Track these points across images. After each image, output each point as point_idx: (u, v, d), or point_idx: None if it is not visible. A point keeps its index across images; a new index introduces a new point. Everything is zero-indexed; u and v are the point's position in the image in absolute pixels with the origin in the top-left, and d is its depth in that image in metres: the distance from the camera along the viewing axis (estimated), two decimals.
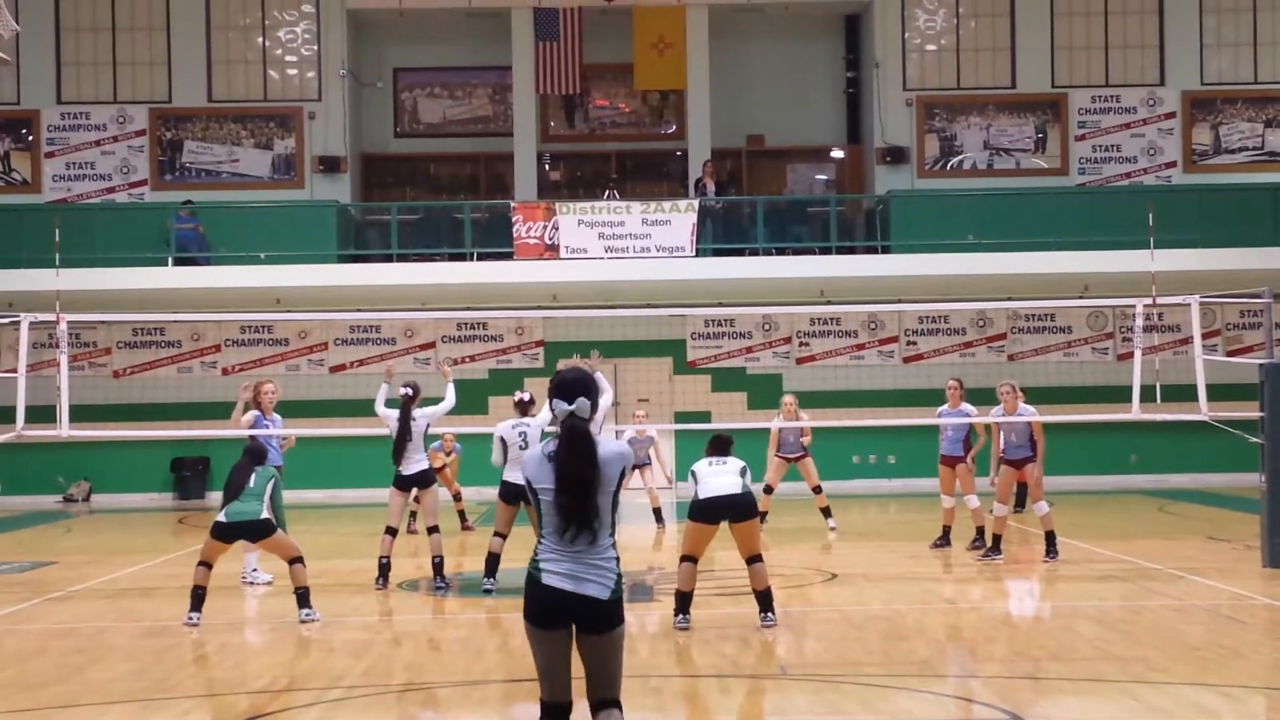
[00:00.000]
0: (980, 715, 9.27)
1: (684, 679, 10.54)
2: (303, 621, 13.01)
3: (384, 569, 15.21)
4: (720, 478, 12.35)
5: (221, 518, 13.13)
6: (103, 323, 27.85)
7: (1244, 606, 13.20)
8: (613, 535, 6.44)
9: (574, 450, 6.41)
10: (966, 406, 18.09)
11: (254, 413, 15.88)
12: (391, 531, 15.25)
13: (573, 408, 6.51)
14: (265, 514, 13.14)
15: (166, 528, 24.40)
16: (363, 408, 26.87)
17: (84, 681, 10.73)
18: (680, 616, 12.38)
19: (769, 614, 12.33)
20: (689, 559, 12.39)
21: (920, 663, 10.99)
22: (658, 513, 20.36)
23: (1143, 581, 14.88)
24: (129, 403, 28.23)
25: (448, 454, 21.30)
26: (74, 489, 28.77)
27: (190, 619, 13.04)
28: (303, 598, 13.18)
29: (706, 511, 12.30)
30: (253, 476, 13.23)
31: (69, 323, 17.00)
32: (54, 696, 10.19)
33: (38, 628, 13.34)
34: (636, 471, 20.16)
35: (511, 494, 14.43)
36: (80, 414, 19.12)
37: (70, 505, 28.44)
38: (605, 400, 15.32)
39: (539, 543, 6.46)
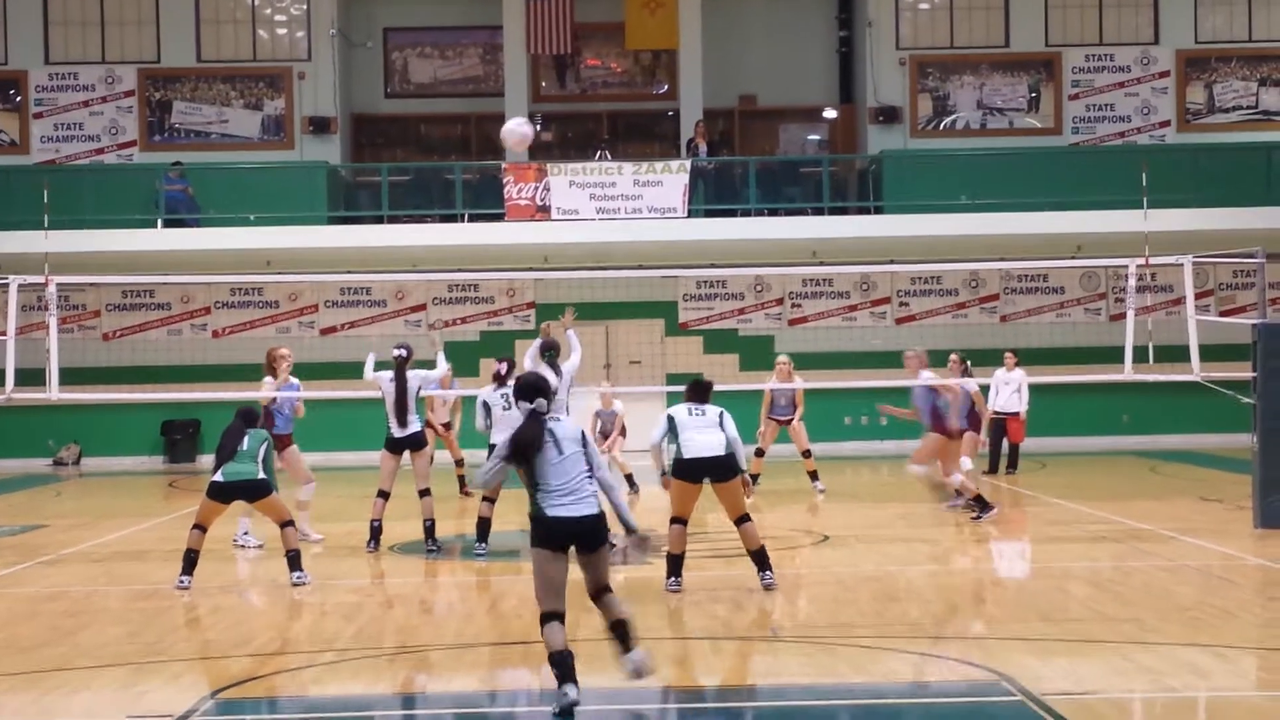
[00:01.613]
0: (972, 676, 9.27)
1: (675, 641, 10.53)
2: (294, 584, 13.00)
3: (375, 532, 15.21)
4: (702, 434, 12.24)
5: (219, 478, 13.11)
6: (92, 285, 27.76)
7: (1235, 567, 13.22)
8: (592, 479, 8.72)
9: (531, 427, 8.73)
10: (926, 374, 17.95)
11: (268, 379, 15.91)
12: (383, 495, 15.23)
13: (533, 406, 8.76)
14: (261, 474, 13.15)
15: (157, 491, 24.37)
16: (354, 370, 26.80)
17: (75, 644, 10.71)
18: (672, 580, 12.36)
19: (767, 572, 12.32)
20: (678, 520, 12.37)
21: (912, 624, 10.99)
22: (629, 478, 20.30)
23: (1134, 542, 14.88)
24: (119, 365, 28.15)
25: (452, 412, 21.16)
26: (64, 452, 28.73)
27: (181, 582, 13.03)
28: (294, 560, 13.17)
29: (689, 471, 12.26)
30: (245, 439, 13.21)
31: (58, 285, 16.95)
32: (46, 659, 10.17)
33: (28, 591, 13.32)
34: (605, 440, 20.17)
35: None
36: (70, 377, 19.09)
37: (60, 469, 28.40)
38: (574, 360, 15.37)
39: (537, 493, 8.60)
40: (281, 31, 30.76)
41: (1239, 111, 30.83)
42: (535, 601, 8.69)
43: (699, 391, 12.67)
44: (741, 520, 12.33)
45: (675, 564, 12.39)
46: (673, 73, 31.30)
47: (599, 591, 8.79)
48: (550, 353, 15.10)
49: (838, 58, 31.80)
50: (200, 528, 13.23)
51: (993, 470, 23.05)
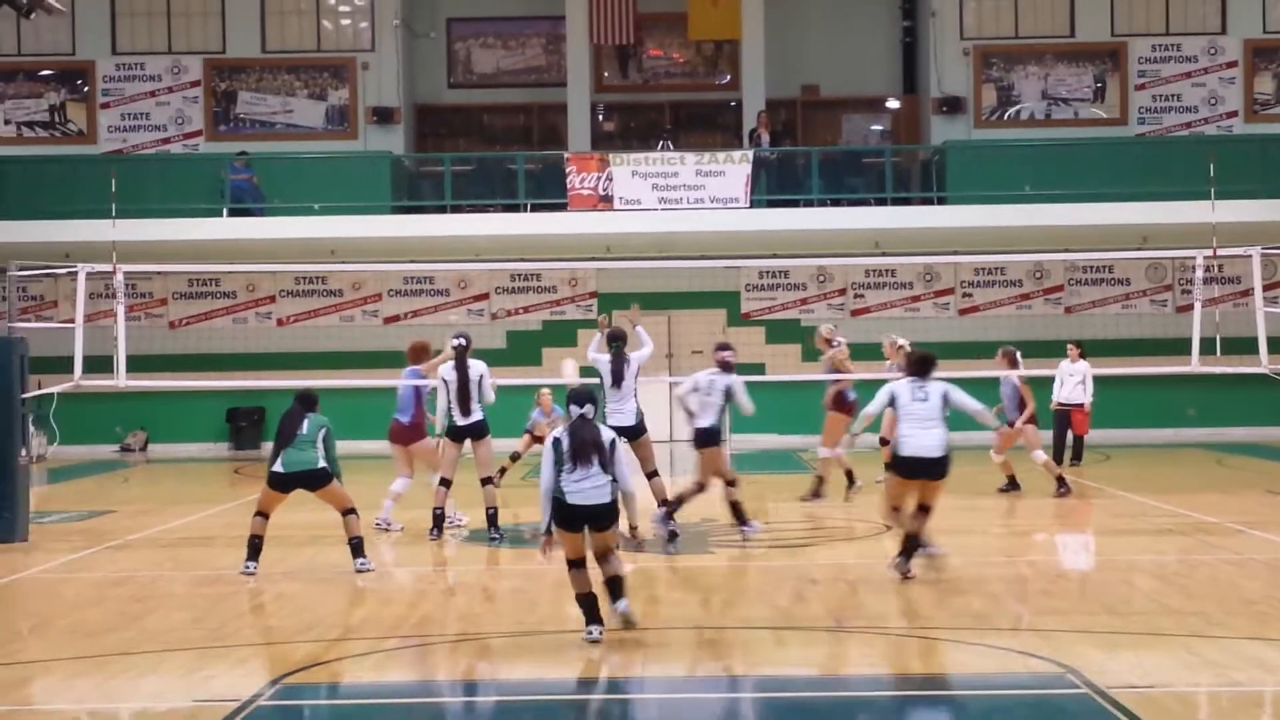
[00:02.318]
0: (1037, 668, 9.21)
1: (738, 630, 10.51)
2: (358, 571, 13.06)
3: (438, 520, 15.26)
4: (923, 429, 11.93)
5: (278, 467, 13.12)
6: (159, 273, 27.99)
7: None
8: (611, 474, 9.99)
9: (585, 427, 10.07)
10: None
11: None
12: (445, 482, 15.27)
13: (583, 410, 10.07)
14: (322, 462, 13.13)
15: (222, 478, 24.56)
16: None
17: (141, 629, 10.80)
18: (901, 559, 12.20)
19: (902, 559, 12.16)
20: (896, 509, 12.29)
21: (976, 616, 10.93)
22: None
23: (1200, 535, 14.76)
24: (185, 353, 28.42)
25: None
26: (131, 439, 28.99)
27: (247, 568, 13.11)
28: (356, 548, 13.21)
29: (907, 468, 12.05)
30: (305, 423, 13.17)
31: (125, 273, 17.08)
32: (112, 644, 10.26)
33: (96, 576, 13.45)
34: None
35: None
36: (137, 364, 19.22)
37: (127, 455, 28.67)
38: (644, 352, 15.41)
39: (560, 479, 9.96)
40: (345, 22, 30.90)
41: None
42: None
43: (924, 366, 12.30)
44: (921, 509, 12.16)
45: (909, 542, 12.20)
46: (735, 63, 31.23)
47: (602, 554, 10.17)
48: (617, 343, 15.11)
49: (901, 48, 31.65)
50: (262, 514, 13.30)
51: (1058, 462, 22.87)
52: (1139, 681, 8.73)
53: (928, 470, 12.03)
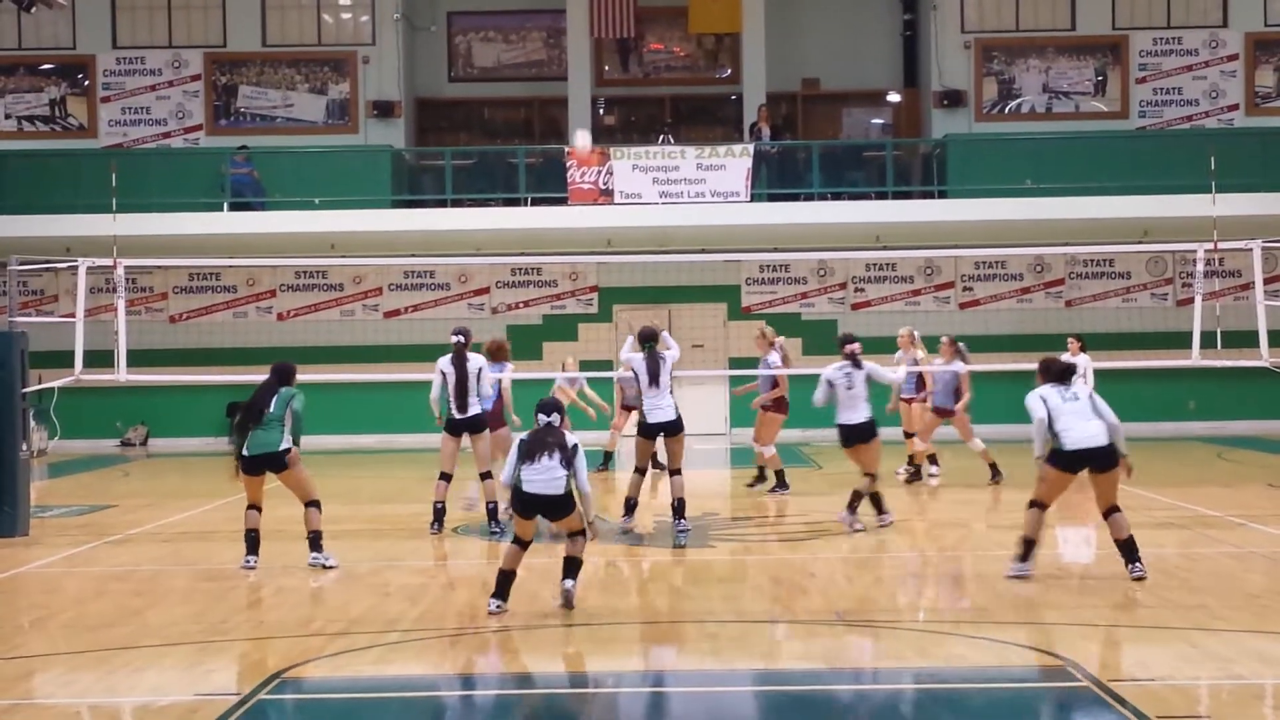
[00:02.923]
0: (1037, 662, 9.21)
1: (739, 624, 10.52)
2: (310, 565, 12.95)
3: (439, 514, 15.26)
4: (1083, 422, 11.84)
5: (245, 451, 13.03)
6: (159, 268, 27.99)
7: None
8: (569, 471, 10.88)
9: (546, 431, 11.04)
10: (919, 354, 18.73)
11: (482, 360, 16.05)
12: (445, 477, 15.27)
13: (549, 419, 11.05)
14: (285, 443, 12.95)
15: (223, 472, 24.46)
16: (417, 353, 26.97)
17: (142, 623, 10.81)
18: (1024, 564, 12.07)
19: (1136, 564, 11.93)
20: (1038, 504, 12.11)
21: (977, 609, 10.94)
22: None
23: (1201, 529, 14.76)
24: (185, 347, 28.43)
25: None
26: (131, 433, 29.00)
27: (248, 562, 13.11)
28: (313, 542, 13.08)
29: (1071, 461, 11.90)
30: (274, 401, 12.99)
31: (126, 267, 17.10)
32: (113, 638, 10.27)
33: (97, 570, 13.45)
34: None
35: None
36: (137, 358, 19.23)
37: (128, 449, 28.68)
38: (674, 353, 15.53)
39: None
40: (346, 16, 30.88)
41: None
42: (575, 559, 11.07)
43: (1063, 374, 12.26)
44: (1111, 511, 11.98)
45: (1029, 547, 12.08)
46: (735, 56, 31.21)
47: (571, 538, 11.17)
48: (650, 343, 15.20)
49: (901, 41, 31.63)
50: (253, 507, 13.21)
51: None
52: (1140, 675, 8.73)
53: (1096, 460, 11.87)
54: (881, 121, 32.35)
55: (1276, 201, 25.85)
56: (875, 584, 12.08)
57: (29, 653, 9.94)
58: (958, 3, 30.36)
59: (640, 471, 15.21)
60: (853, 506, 14.99)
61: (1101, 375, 22.93)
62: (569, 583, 11.01)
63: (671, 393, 15.11)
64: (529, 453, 10.94)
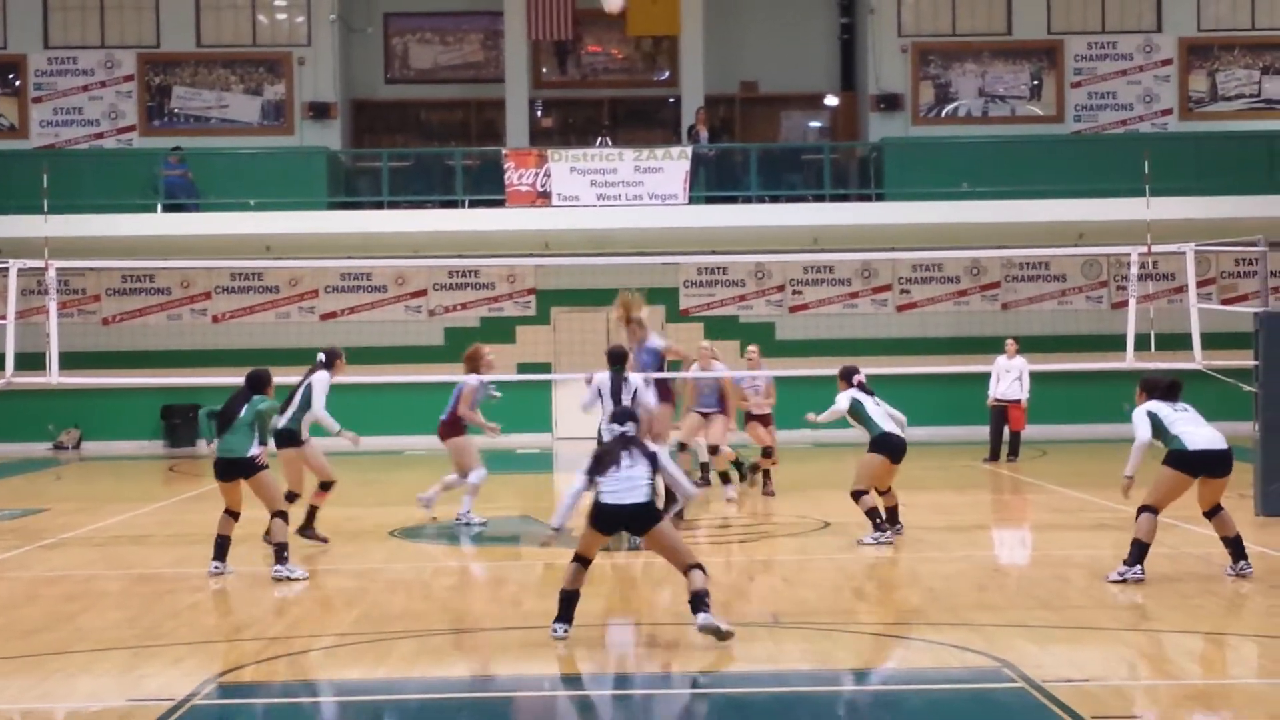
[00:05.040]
0: (973, 663, 9.25)
1: (676, 626, 10.51)
2: (274, 578, 12.70)
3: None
4: (1202, 428, 11.96)
5: (217, 452, 12.87)
6: (91, 269, 27.74)
7: None
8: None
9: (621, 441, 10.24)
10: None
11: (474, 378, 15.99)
12: (292, 497, 14.39)
13: (624, 429, 10.24)
14: (253, 450, 12.78)
15: (157, 475, 24.36)
16: (354, 355, 26.62)
17: (75, 628, 10.70)
18: (1135, 568, 11.93)
19: (1243, 562, 12.07)
20: (1151, 509, 12.01)
21: (912, 611, 10.98)
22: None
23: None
24: (119, 350, 28.17)
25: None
26: (64, 436, 28.73)
27: (214, 568, 12.88)
28: (279, 553, 12.85)
29: (1194, 463, 11.87)
30: (244, 408, 12.88)
31: (58, 269, 16.91)
32: (46, 643, 10.15)
33: (29, 575, 13.31)
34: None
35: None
36: (70, 361, 19.06)
37: (60, 452, 28.40)
38: (648, 399, 15.04)
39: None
40: (281, 17, 30.71)
41: (1241, 100, 30.80)
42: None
43: (1171, 389, 12.38)
44: (1215, 510, 12.07)
45: (1141, 552, 11.94)
46: (674, 59, 31.24)
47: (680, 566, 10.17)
48: (618, 365, 14.74)
49: (839, 45, 31.77)
50: (229, 512, 12.99)
51: (994, 458, 23.04)
52: (1074, 675, 8.78)
53: (1218, 465, 11.93)
54: (819, 124, 32.46)
55: (1209, 205, 26.10)
56: (811, 586, 12.10)
57: None
58: (895, 7, 30.50)
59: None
60: (891, 520, 14.68)
61: (1037, 377, 23.15)
62: (703, 616, 9.78)
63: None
64: (605, 463, 10.11)
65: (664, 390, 15.87)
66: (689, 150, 27.20)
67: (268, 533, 13.38)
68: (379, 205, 28.31)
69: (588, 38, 31.80)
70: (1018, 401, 23.08)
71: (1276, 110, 30.72)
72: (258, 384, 13.13)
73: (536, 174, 26.71)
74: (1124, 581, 11.76)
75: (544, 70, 31.82)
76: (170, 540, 15.31)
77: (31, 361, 17.55)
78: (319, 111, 30.15)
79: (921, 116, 30.58)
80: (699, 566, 9.95)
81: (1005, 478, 21.15)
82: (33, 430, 28.37)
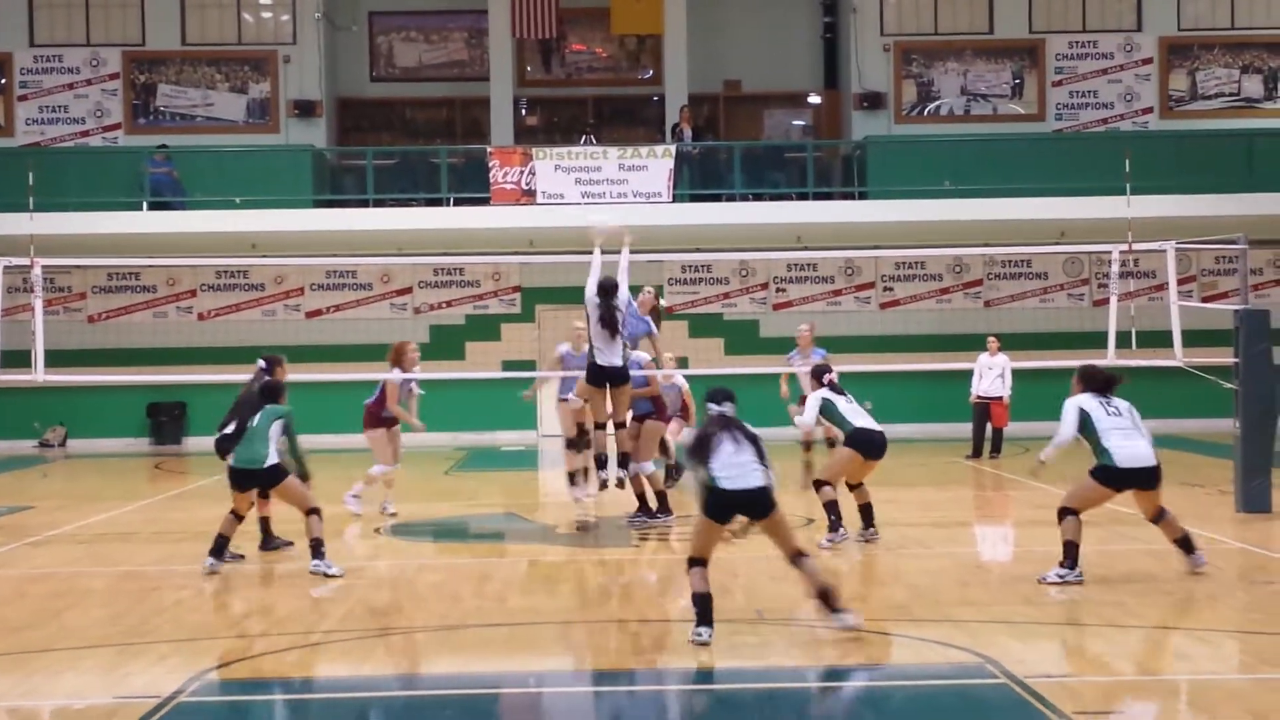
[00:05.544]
0: (955, 659, 9.32)
1: (659, 624, 10.57)
2: (312, 573, 12.59)
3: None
4: (1130, 440, 11.83)
5: (232, 461, 12.84)
6: (77, 267, 27.73)
7: (1217, 551, 13.27)
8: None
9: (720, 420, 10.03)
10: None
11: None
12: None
13: (721, 409, 9.98)
14: (272, 459, 12.69)
15: (142, 473, 24.36)
16: (340, 353, 26.90)
17: (61, 626, 10.73)
18: (1077, 570, 11.76)
19: (1197, 554, 12.04)
20: (1072, 512, 11.89)
21: (895, 607, 11.04)
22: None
23: (1116, 526, 14.94)
24: (104, 348, 28.15)
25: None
26: (49, 434, 28.70)
27: (209, 564, 12.88)
28: (315, 549, 12.70)
29: (1120, 479, 11.81)
30: (257, 416, 12.80)
31: (43, 267, 16.91)
32: (31, 640, 10.18)
33: (14, 572, 13.32)
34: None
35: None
36: (55, 359, 19.03)
37: (46, 450, 28.38)
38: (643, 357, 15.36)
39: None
40: (266, 15, 30.71)
41: (1221, 99, 30.93)
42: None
43: (1108, 384, 12.11)
44: (1160, 516, 12.06)
45: (1075, 552, 11.77)
46: (658, 58, 31.29)
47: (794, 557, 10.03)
48: (606, 296, 15.02)
49: (822, 44, 31.85)
50: (234, 515, 12.93)
51: (976, 455, 23.14)
52: (1056, 671, 8.85)
53: (1147, 481, 11.92)
54: (802, 123, 32.53)
55: (1190, 203, 26.22)
56: (795, 583, 12.15)
57: None
58: (877, 6, 30.58)
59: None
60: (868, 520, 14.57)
61: (1019, 374, 23.24)
62: (841, 617, 9.81)
63: (625, 350, 14.99)
64: (711, 445, 9.72)
65: (660, 406, 16.12)
66: (673, 149, 27.26)
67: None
68: (364, 203, 28.33)
69: (572, 36, 31.85)
70: (1000, 399, 23.19)
71: (1256, 109, 30.87)
72: (270, 392, 13.09)
73: (521, 172, 26.75)
74: (1063, 583, 11.65)
75: (528, 69, 31.86)
76: (156, 537, 15.34)
77: (17, 359, 17.56)
78: (304, 110, 30.16)
79: (904, 115, 30.66)
80: (805, 554, 9.98)
81: (988, 474, 21.25)
82: (18, 427, 28.34)
